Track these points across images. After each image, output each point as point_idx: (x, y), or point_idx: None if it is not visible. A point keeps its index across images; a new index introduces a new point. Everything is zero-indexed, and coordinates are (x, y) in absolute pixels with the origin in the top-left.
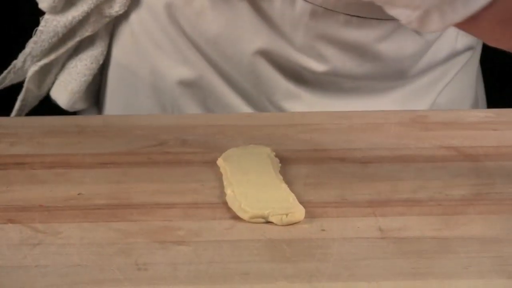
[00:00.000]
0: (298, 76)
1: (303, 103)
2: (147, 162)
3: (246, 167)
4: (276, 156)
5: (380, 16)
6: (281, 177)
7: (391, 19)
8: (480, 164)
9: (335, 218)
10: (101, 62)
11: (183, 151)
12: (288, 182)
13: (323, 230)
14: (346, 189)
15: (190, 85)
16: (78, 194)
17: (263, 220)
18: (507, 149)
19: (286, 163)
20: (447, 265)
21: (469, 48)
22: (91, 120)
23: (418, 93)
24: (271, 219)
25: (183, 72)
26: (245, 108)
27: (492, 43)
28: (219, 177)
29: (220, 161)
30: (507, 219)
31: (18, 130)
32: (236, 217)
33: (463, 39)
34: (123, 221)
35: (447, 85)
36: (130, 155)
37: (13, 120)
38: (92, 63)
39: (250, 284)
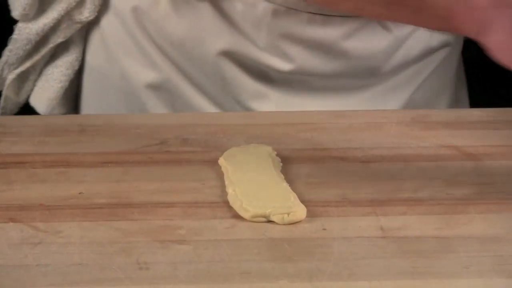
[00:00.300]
0: (264, 75)
1: (272, 102)
2: (147, 161)
3: (247, 166)
4: (277, 155)
5: (343, 14)
6: (282, 176)
7: (355, 16)
8: (480, 164)
9: (336, 217)
10: (76, 68)
11: (184, 150)
12: (289, 181)
13: (324, 229)
14: (347, 188)
15: (158, 88)
16: (79, 193)
17: (264, 219)
18: (508, 149)
19: (287, 162)
20: (448, 264)
21: (445, 45)
22: (91, 119)
23: (393, 91)
24: (272, 218)
25: (151, 75)
26: (211, 109)
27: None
28: (220, 176)
29: (221, 160)
30: (508, 218)
31: (19, 129)
32: (237, 216)
33: (438, 36)
34: (124, 220)
35: (422, 82)
36: (131, 154)
37: (14, 119)
38: (67, 69)
39: (251, 283)
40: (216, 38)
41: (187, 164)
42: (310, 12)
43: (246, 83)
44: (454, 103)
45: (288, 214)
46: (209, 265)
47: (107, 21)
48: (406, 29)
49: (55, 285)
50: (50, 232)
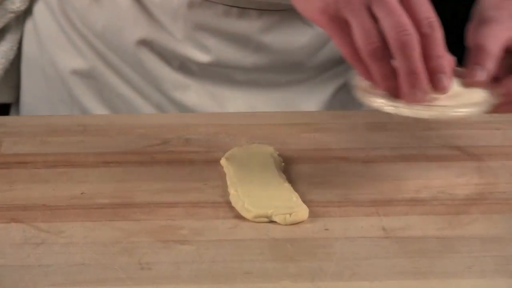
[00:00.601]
0: (184, 67)
1: (194, 93)
2: (150, 161)
3: (249, 167)
4: (279, 155)
5: (259, 7)
6: (284, 176)
7: (273, 9)
8: (483, 164)
9: (338, 217)
10: (11, 57)
11: (186, 150)
12: (292, 181)
13: (326, 229)
14: (349, 188)
15: (85, 76)
16: (81, 193)
17: (266, 220)
18: (510, 149)
19: (289, 162)
20: (450, 264)
21: None
22: (94, 119)
23: (319, 88)
24: (274, 218)
25: (78, 63)
26: (137, 99)
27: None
28: (222, 176)
29: (223, 161)
30: (510, 219)
31: (21, 129)
32: (239, 217)
33: None
34: (126, 220)
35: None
36: (133, 154)
37: (16, 119)
38: (2, 58)
39: (253, 284)
40: (134, 28)
41: (189, 164)
42: (226, 5)
43: (166, 73)
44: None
45: (290, 214)
46: (211, 265)
47: (38, 11)
48: None
49: (57, 285)
50: (52, 232)
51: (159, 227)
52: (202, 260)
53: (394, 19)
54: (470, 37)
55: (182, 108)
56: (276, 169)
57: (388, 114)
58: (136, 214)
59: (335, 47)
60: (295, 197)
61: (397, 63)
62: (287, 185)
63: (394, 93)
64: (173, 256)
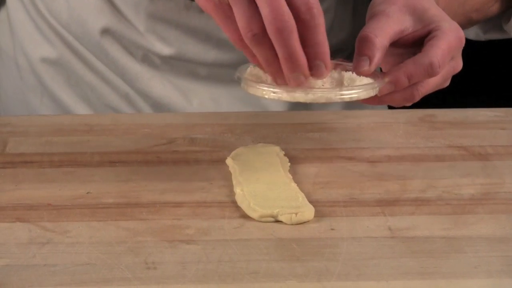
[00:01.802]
0: (147, 58)
1: (158, 85)
2: (155, 161)
3: (255, 166)
4: (285, 155)
5: None
6: (290, 176)
7: None
8: (489, 163)
9: (344, 217)
10: None
11: (192, 149)
12: (297, 181)
13: (332, 229)
14: (355, 188)
15: (54, 64)
16: (87, 193)
17: (272, 219)
18: None
19: (295, 162)
20: (456, 264)
21: (340, 50)
22: (99, 118)
23: None
24: (280, 218)
25: (46, 51)
26: (105, 88)
27: None
28: (228, 176)
29: (229, 160)
30: None
31: (27, 129)
32: (245, 216)
33: (331, 40)
34: (132, 220)
35: None
36: (139, 153)
37: (22, 119)
38: None
39: (260, 283)
40: (97, 17)
41: (195, 163)
42: None
43: (130, 64)
44: (354, 107)
45: (296, 214)
46: (217, 265)
47: (11, 2)
48: None
49: (63, 285)
50: (58, 232)
51: (165, 226)
52: (208, 259)
53: (272, 6)
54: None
55: (149, 99)
56: (282, 168)
57: (395, 114)
58: (142, 213)
59: None
60: (301, 197)
61: (276, 48)
62: (293, 185)
63: (280, 78)
64: (179, 255)
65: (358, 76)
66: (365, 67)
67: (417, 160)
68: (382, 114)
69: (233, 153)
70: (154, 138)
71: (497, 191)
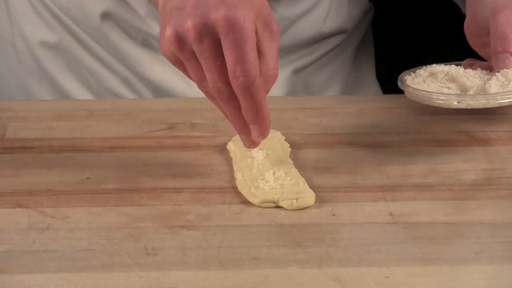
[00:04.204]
0: (147, 42)
1: (158, 69)
2: (156, 146)
3: (256, 151)
4: (286, 140)
5: None
6: (291, 161)
7: None
8: (491, 149)
9: (345, 203)
10: None
11: (192, 135)
12: (298, 166)
13: (334, 215)
14: (356, 173)
15: (53, 48)
16: (87, 178)
17: (273, 205)
18: None
19: (296, 147)
20: (458, 250)
21: (339, 32)
22: (99, 103)
23: (281, 71)
24: (281, 203)
25: (46, 35)
26: (104, 72)
27: None
28: (228, 161)
29: (229, 145)
30: None
31: (26, 113)
32: (245, 202)
33: (331, 23)
34: (132, 206)
35: (309, 66)
36: (139, 139)
37: (21, 104)
38: None
39: (260, 269)
40: (97, 1)
41: (196, 149)
42: None
43: (130, 48)
44: (354, 88)
45: (297, 199)
46: (218, 250)
47: None
48: (293, 10)
49: (63, 271)
50: (58, 218)
51: (165, 212)
52: (209, 245)
53: (209, 76)
54: (493, 27)
55: (149, 83)
56: (282, 154)
57: (396, 99)
58: (142, 199)
59: (296, 33)
60: (302, 182)
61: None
62: (293, 170)
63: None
64: (179, 241)
65: (509, 71)
66: (510, 64)
67: (418, 145)
68: (383, 99)
69: (233, 138)
70: (155, 124)
71: (499, 176)
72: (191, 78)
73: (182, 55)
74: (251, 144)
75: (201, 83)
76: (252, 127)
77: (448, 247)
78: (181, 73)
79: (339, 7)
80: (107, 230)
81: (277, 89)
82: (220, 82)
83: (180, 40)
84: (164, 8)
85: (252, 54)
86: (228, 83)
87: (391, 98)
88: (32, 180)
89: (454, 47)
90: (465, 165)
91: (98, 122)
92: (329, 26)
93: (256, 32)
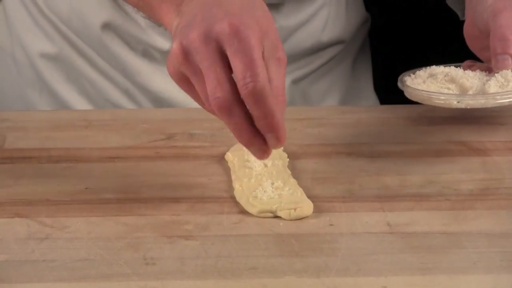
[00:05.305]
0: (147, 53)
1: (159, 80)
2: (154, 156)
3: (253, 162)
4: (284, 150)
5: None
6: (289, 171)
7: None
8: (488, 159)
9: (343, 213)
10: None
11: (191, 145)
12: (296, 176)
13: (331, 225)
14: (353, 183)
15: (53, 59)
16: (86, 188)
17: (271, 215)
18: None
19: (294, 157)
20: (456, 260)
21: (337, 42)
22: (98, 114)
23: None
24: (279, 213)
25: (46, 46)
26: (105, 83)
27: None
28: (226, 171)
29: (228, 155)
30: None
31: (25, 124)
32: (244, 212)
33: (329, 33)
34: (131, 215)
35: (308, 76)
36: (138, 149)
37: (20, 114)
38: None
39: (259, 279)
40: (98, 12)
41: (194, 159)
42: None
43: (131, 59)
44: (352, 98)
45: (295, 209)
46: (216, 260)
47: None
48: (293, 20)
49: (62, 280)
50: (57, 227)
51: (163, 222)
52: (207, 255)
53: (209, 86)
54: (493, 29)
55: (149, 93)
56: (280, 164)
57: (394, 109)
58: (140, 209)
59: (296, 43)
60: (299, 192)
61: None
62: (291, 180)
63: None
64: (178, 251)
65: (508, 72)
66: (510, 65)
67: (416, 155)
68: (381, 110)
69: (232, 148)
70: (153, 134)
71: (497, 186)
72: (197, 100)
73: (187, 68)
74: (264, 153)
75: (207, 99)
76: (268, 136)
77: (445, 257)
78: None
79: (337, 17)
80: (106, 240)
81: None
82: (220, 91)
83: (185, 52)
84: (175, 31)
85: (260, 61)
86: (229, 93)
87: (389, 108)
88: (31, 190)
89: (452, 56)
90: (463, 175)
91: (97, 132)
92: (327, 35)
93: (263, 55)
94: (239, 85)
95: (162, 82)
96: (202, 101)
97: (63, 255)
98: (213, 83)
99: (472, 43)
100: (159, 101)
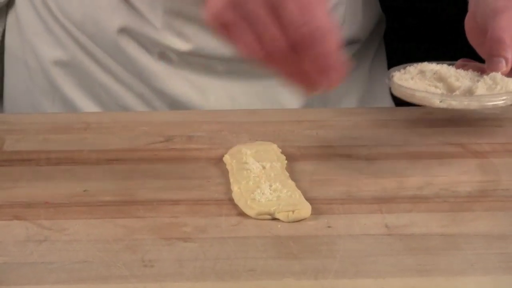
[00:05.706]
0: (164, 55)
1: (175, 83)
2: (153, 159)
3: (252, 164)
4: (282, 152)
5: None
6: (287, 173)
7: None
8: (486, 161)
9: (341, 214)
10: None
11: (189, 147)
12: (294, 178)
13: (329, 227)
14: (352, 185)
15: (66, 66)
16: (84, 190)
17: (269, 217)
18: None
19: (292, 159)
20: (454, 261)
21: (353, 42)
22: (97, 116)
23: None
24: (277, 216)
25: (58, 53)
26: (119, 88)
27: None
28: (225, 173)
29: (226, 158)
30: None
31: (24, 126)
32: (242, 214)
33: (346, 31)
34: (129, 218)
35: None
36: (136, 151)
37: (19, 117)
38: None
39: (257, 281)
40: (113, 16)
41: (193, 161)
42: None
43: (147, 62)
44: (368, 100)
45: (293, 211)
46: (214, 262)
47: (20, 2)
48: None
49: (61, 282)
50: (55, 230)
51: (162, 224)
52: (206, 257)
53: (269, 33)
54: (491, 29)
55: (165, 97)
56: (278, 166)
57: (392, 112)
58: (139, 211)
59: None
60: (297, 195)
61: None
62: (290, 182)
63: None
64: (177, 253)
65: (498, 74)
66: (503, 68)
67: (414, 157)
68: (379, 112)
69: (230, 150)
70: (152, 136)
71: (494, 188)
72: (234, 44)
73: (234, 16)
74: (331, 82)
75: (249, 47)
76: (331, 72)
77: (443, 259)
78: (198, 86)
79: (354, 15)
80: (105, 242)
81: (294, 101)
82: (282, 37)
83: (233, 1)
84: None
85: (315, 3)
86: (284, 41)
87: (387, 110)
88: (29, 193)
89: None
90: (461, 177)
91: (96, 135)
92: (344, 34)
93: None
94: (298, 25)
95: (179, 85)
96: (247, 47)
97: (61, 257)
98: (271, 30)
99: (471, 37)
100: (175, 105)
